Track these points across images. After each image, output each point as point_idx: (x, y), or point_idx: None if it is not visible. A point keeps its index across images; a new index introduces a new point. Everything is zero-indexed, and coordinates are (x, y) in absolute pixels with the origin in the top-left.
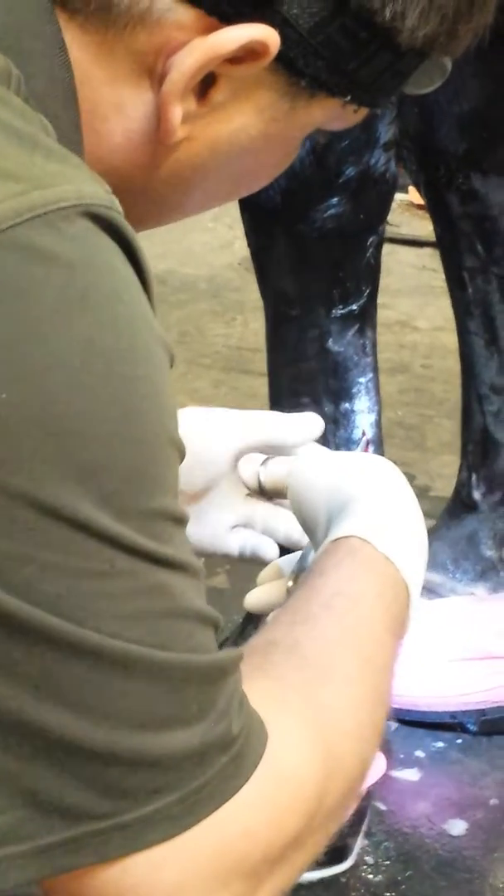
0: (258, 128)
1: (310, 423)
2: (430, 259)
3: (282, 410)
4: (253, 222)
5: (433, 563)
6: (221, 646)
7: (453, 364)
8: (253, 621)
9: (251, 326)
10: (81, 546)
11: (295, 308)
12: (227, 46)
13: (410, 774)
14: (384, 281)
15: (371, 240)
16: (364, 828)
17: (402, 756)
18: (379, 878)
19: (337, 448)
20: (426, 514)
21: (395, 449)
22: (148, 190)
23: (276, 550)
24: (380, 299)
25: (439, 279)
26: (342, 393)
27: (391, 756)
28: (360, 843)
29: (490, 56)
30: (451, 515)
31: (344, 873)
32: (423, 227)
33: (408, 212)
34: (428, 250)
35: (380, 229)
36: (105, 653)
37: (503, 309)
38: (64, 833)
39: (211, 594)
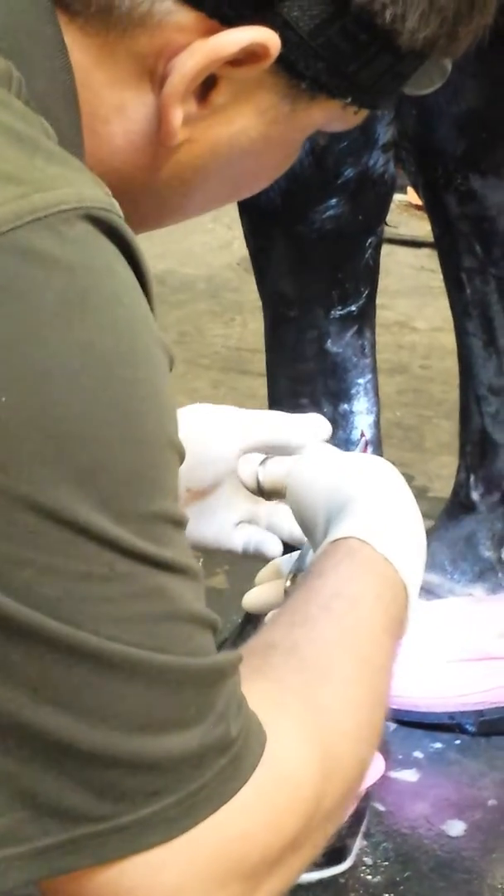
0: (259, 130)
1: (317, 424)
2: (429, 259)
3: (281, 411)
4: (252, 224)
5: (431, 564)
6: (220, 646)
7: (452, 365)
8: (252, 622)
9: (250, 327)
10: (81, 549)
11: (294, 309)
12: (228, 49)
13: (409, 775)
14: (382, 281)
15: (370, 241)
16: (363, 828)
17: (400, 757)
18: (377, 878)
19: None
20: (424, 515)
21: (394, 450)
22: (149, 192)
23: (280, 547)
24: (378, 300)
25: (438, 280)
26: (341, 394)
27: (390, 757)
28: (358, 843)
29: (489, 57)
30: (449, 516)
31: (343, 874)
32: (422, 227)
33: (406, 212)
34: (426, 251)
35: (378, 230)
36: (104, 656)
37: (501, 310)
38: (62, 835)
39: (210, 594)
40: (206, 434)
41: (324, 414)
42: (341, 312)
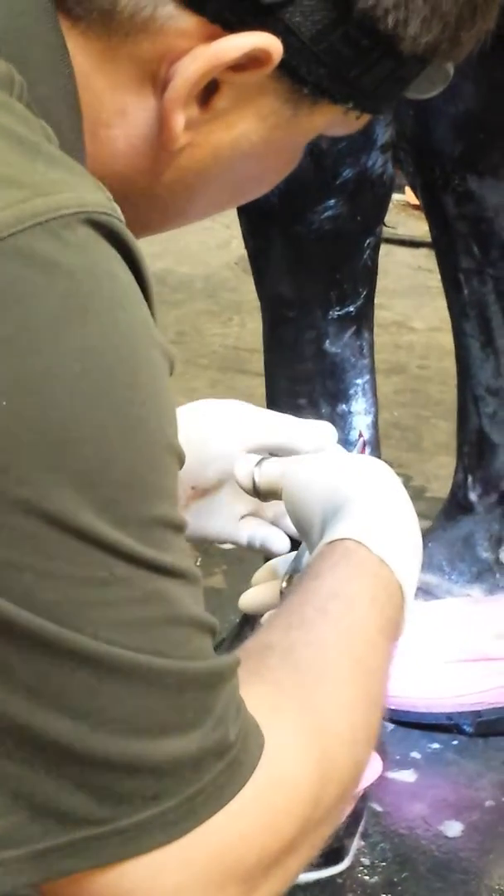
0: (260, 134)
1: (325, 433)
2: (427, 259)
3: (279, 411)
4: (250, 224)
5: (429, 565)
6: (218, 647)
7: (450, 365)
8: (249, 623)
9: (248, 326)
10: (80, 553)
11: (292, 310)
12: (230, 54)
13: (406, 776)
14: (380, 281)
15: (368, 241)
16: (360, 829)
17: (398, 757)
18: (375, 879)
19: None
20: (422, 516)
21: (392, 450)
22: (150, 196)
23: (287, 542)
24: (376, 300)
25: (436, 280)
26: (339, 394)
27: (387, 757)
28: (356, 844)
29: (487, 59)
30: (447, 517)
31: (340, 874)
32: (420, 227)
33: (404, 212)
34: (424, 251)
35: (377, 231)
36: (103, 660)
37: (499, 310)
38: (61, 837)
39: (208, 595)
40: (211, 431)
41: (322, 414)
42: (339, 313)
